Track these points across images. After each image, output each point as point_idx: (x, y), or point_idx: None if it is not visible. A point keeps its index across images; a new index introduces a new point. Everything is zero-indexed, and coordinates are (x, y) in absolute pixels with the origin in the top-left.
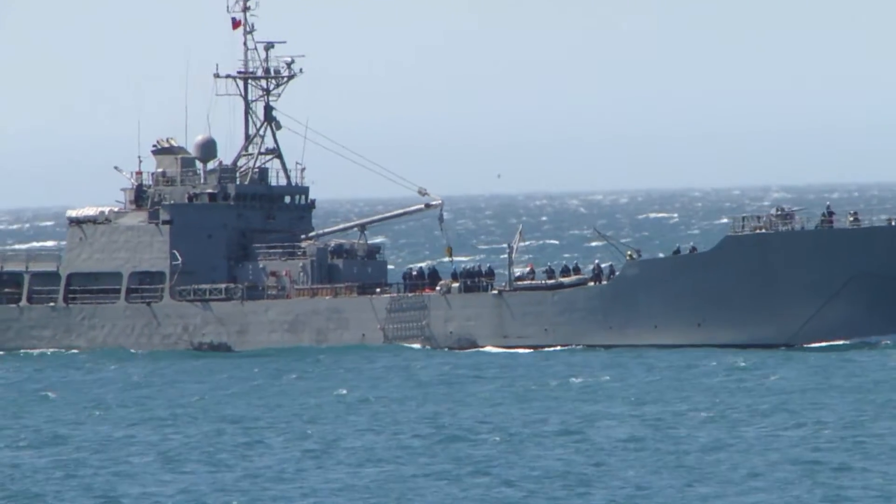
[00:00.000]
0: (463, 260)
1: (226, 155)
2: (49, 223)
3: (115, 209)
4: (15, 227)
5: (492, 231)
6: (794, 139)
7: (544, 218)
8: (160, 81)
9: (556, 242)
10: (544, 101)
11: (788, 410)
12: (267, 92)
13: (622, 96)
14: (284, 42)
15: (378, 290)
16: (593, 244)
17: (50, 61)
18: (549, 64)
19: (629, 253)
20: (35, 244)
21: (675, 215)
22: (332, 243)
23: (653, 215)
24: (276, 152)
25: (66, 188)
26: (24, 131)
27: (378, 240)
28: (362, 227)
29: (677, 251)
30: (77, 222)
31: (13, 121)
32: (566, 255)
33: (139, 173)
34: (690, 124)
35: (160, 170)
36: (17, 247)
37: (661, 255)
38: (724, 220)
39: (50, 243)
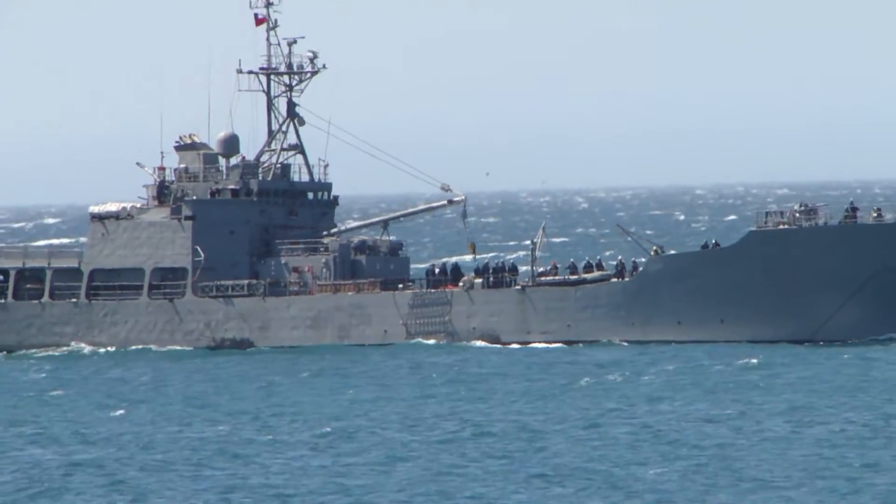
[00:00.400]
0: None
1: (248, 151)
2: (52, 221)
3: (138, 205)
4: (17, 225)
5: (495, 230)
6: (794, 138)
7: (549, 216)
8: (182, 77)
9: (564, 240)
10: (544, 101)
11: (808, 407)
12: (290, 88)
13: (622, 96)
14: (304, 37)
15: (401, 286)
16: (601, 241)
17: (51, 61)
18: (549, 64)
19: (654, 248)
20: (41, 242)
21: (679, 213)
22: (355, 239)
23: (658, 212)
24: (298, 148)
25: (67, 187)
26: (25, 131)
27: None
28: (385, 223)
29: (705, 246)
30: (99, 218)
31: (13, 120)
32: (570, 252)
33: (161, 169)
34: (691, 123)
35: (182, 166)
36: (39, 243)
37: (672, 251)
38: (732, 217)
39: (55, 241)
